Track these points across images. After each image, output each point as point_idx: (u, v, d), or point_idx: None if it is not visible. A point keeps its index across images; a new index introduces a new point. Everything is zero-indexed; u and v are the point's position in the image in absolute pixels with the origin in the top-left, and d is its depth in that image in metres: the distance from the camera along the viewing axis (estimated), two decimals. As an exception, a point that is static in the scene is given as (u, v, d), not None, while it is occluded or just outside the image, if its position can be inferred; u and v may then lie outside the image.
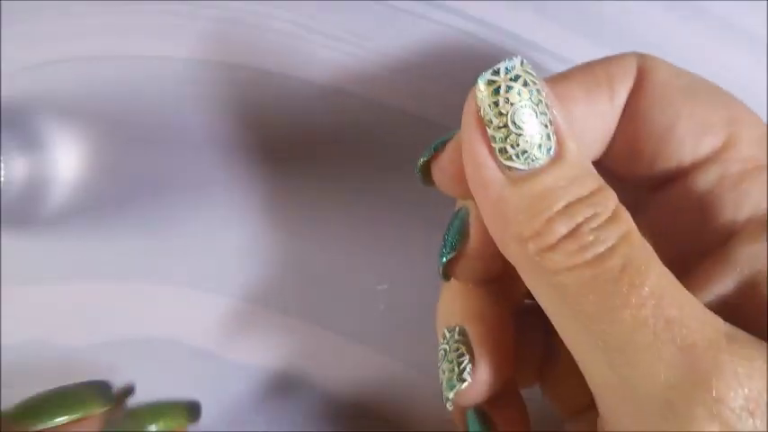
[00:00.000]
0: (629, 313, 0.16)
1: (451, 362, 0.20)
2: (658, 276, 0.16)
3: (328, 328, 0.26)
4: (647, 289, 0.16)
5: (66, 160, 0.26)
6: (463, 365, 0.20)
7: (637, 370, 0.16)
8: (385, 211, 0.26)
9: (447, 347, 0.21)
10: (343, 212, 0.26)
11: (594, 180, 0.17)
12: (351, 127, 0.26)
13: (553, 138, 0.17)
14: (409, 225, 0.26)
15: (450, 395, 0.20)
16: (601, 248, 0.16)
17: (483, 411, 0.21)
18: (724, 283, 0.18)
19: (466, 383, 0.20)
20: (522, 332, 0.22)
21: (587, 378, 0.17)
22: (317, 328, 0.26)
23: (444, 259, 0.21)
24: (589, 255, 0.16)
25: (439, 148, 0.20)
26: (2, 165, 0.25)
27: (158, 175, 0.26)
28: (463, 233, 0.21)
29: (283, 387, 0.25)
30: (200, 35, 0.26)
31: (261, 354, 0.26)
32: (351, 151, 0.26)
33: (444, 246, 0.21)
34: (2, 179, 0.25)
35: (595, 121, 0.20)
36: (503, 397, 0.21)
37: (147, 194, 0.26)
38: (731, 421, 0.15)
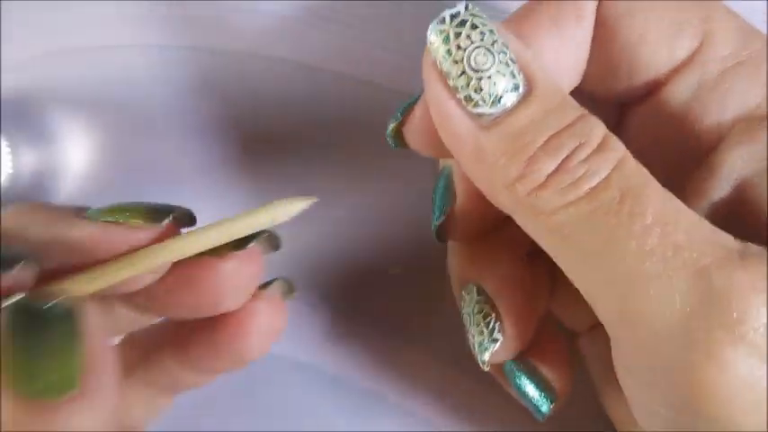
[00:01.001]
0: (634, 244, 0.15)
1: (479, 324, 0.20)
2: (660, 201, 0.15)
3: (340, 313, 0.26)
4: (650, 217, 0.15)
5: (75, 151, 0.26)
6: (491, 326, 0.20)
7: (650, 301, 0.15)
8: (397, 194, 0.26)
9: (470, 310, 0.20)
10: (354, 196, 0.26)
11: (575, 109, 0.16)
12: (358, 111, 0.26)
13: (519, 75, 0.16)
14: (421, 208, 0.26)
15: (486, 357, 0.20)
16: (594, 180, 0.16)
17: (520, 360, 0.20)
18: (718, 190, 0.18)
19: (498, 343, 0.20)
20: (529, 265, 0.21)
21: (599, 316, 0.17)
22: (327, 313, 0.26)
23: (435, 223, 0.20)
24: (583, 188, 0.16)
25: (407, 111, 0.19)
26: (10, 157, 0.25)
27: (167, 164, 0.26)
28: (449, 194, 0.20)
29: (294, 372, 0.25)
30: (204, 25, 0.26)
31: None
32: (361, 135, 0.26)
33: (434, 210, 0.21)
34: (11, 171, 0.25)
35: (568, 49, 0.19)
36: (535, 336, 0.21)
37: (156, 183, 0.26)
38: (757, 341, 0.14)
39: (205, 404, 0.24)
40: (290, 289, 0.20)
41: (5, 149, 0.25)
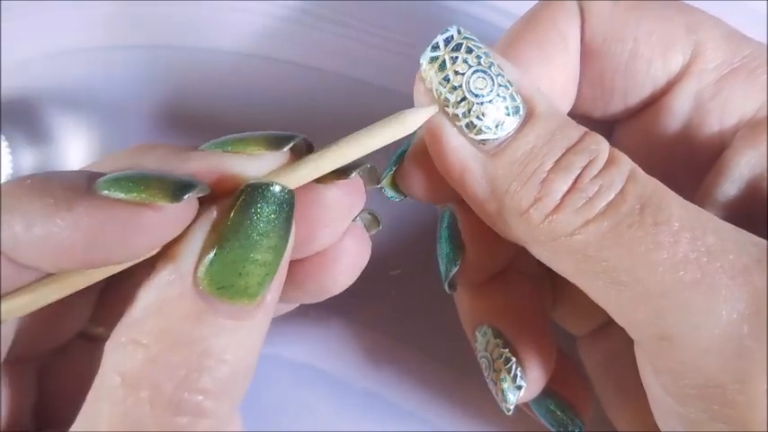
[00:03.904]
0: (665, 254, 0.14)
1: (499, 371, 0.19)
2: (681, 207, 0.15)
3: (340, 314, 0.26)
4: (676, 223, 0.14)
5: (74, 151, 0.26)
6: (513, 372, 0.19)
7: (690, 313, 0.14)
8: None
9: (488, 355, 0.19)
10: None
11: (577, 128, 0.16)
12: (361, 112, 0.26)
13: (518, 97, 0.16)
14: (421, 209, 0.25)
15: (511, 405, 0.19)
16: (611, 194, 0.15)
17: (546, 395, 0.20)
18: (726, 194, 0.17)
19: (522, 390, 0.19)
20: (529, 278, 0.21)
21: (634, 337, 0.16)
22: (328, 313, 0.26)
23: (448, 275, 0.19)
24: (600, 204, 0.15)
25: (399, 159, 0.19)
26: (10, 157, 0.25)
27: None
28: (458, 245, 0.19)
29: (294, 372, 0.25)
30: (202, 26, 0.26)
31: (269, 340, 0.26)
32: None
33: (441, 262, 0.20)
34: (11, 171, 0.25)
35: (557, 74, 0.18)
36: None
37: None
38: None
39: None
40: (375, 222, 0.19)
41: (5, 149, 0.25)
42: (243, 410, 0.26)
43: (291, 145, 0.16)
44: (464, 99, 0.16)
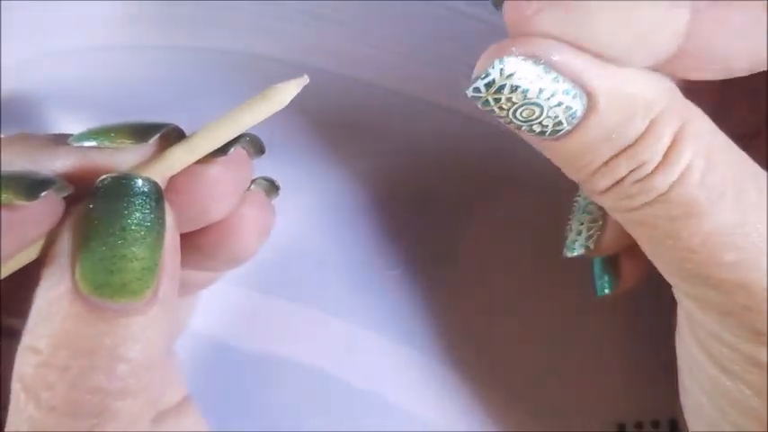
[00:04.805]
0: (699, 244, 0.15)
1: (582, 223, 0.20)
2: (713, 221, 0.15)
3: (339, 314, 0.26)
4: (705, 229, 0.15)
5: (74, 151, 0.26)
6: (592, 232, 0.20)
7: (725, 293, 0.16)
8: (396, 195, 0.26)
9: (584, 204, 0.20)
10: (353, 198, 0.26)
11: (641, 120, 0.15)
12: (360, 112, 0.26)
13: (575, 103, 0.15)
14: (421, 209, 0.26)
15: (568, 255, 0.20)
16: (647, 198, 0.16)
17: (608, 258, 0.21)
18: None
19: (584, 251, 0.20)
20: None
21: (681, 298, 0.17)
22: (326, 314, 0.26)
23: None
24: (638, 202, 0.16)
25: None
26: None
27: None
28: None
29: (293, 372, 0.25)
30: (201, 25, 0.26)
31: (266, 341, 0.26)
32: (361, 136, 0.26)
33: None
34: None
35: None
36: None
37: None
38: None
39: (205, 404, 0.24)
40: (272, 187, 0.19)
41: (5, 150, 0.25)
42: (245, 411, 0.26)
43: (158, 135, 0.16)
44: (511, 122, 0.16)
